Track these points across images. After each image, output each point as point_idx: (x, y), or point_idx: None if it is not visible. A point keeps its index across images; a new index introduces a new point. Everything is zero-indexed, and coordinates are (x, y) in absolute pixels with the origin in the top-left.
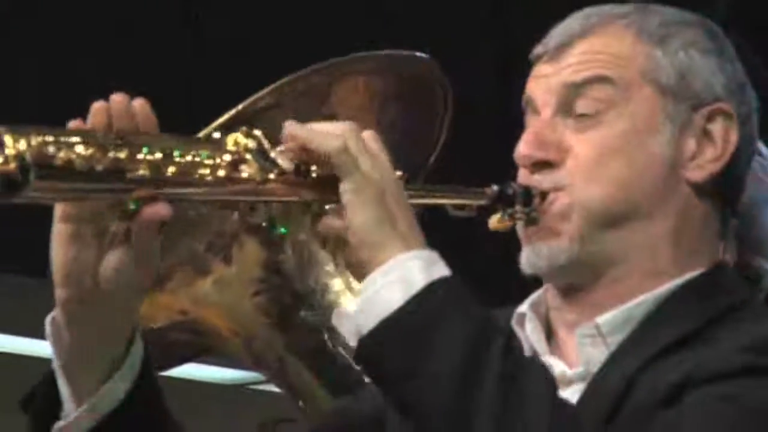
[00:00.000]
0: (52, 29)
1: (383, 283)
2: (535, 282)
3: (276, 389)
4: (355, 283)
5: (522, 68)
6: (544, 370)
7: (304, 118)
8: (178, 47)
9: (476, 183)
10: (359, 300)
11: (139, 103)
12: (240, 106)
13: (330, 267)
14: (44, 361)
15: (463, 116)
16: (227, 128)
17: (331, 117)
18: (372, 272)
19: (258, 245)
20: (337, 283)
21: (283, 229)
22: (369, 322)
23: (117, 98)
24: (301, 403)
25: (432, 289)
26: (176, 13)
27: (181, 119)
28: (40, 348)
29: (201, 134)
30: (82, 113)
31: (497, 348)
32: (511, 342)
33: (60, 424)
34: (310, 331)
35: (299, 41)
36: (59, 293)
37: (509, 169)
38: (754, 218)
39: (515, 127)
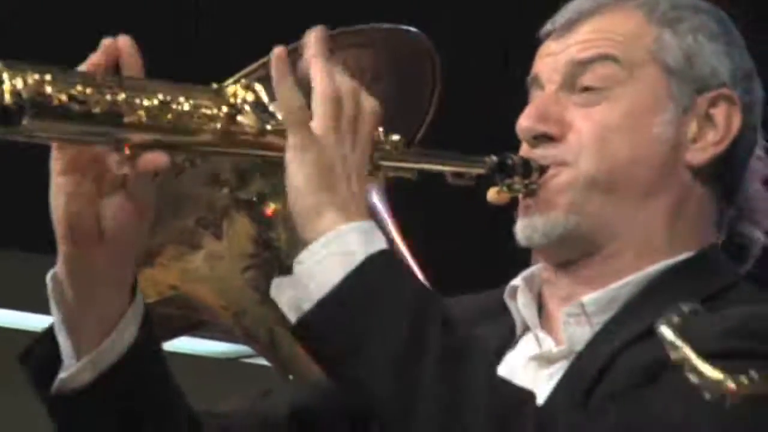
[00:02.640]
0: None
1: (324, 255)
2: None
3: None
4: None
5: (524, 45)
6: (481, 342)
7: None
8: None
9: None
10: (297, 270)
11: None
12: (230, 81)
13: None
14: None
15: (462, 92)
16: None
17: None
18: (310, 239)
19: (248, 220)
20: None
21: (272, 204)
22: (308, 295)
23: (124, 40)
24: (291, 377)
25: (370, 262)
26: None
27: None
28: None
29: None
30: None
31: (436, 324)
32: (450, 317)
33: (62, 375)
34: None
35: (292, 15)
36: (62, 247)
37: (507, 146)
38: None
39: (514, 104)
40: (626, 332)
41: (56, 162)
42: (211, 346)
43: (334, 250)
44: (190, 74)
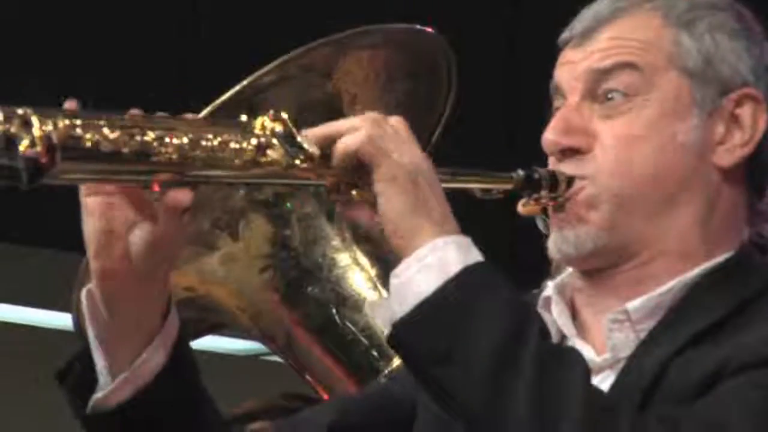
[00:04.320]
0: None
1: (418, 268)
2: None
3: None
4: (362, 258)
5: (531, 49)
6: (580, 356)
7: (308, 93)
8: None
9: (485, 159)
10: (393, 285)
11: None
12: (244, 83)
13: (336, 242)
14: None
15: (472, 94)
16: (230, 105)
17: (336, 92)
18: (407, 258)
19: (264, 221)
20: (343, 258)
21: (289, 204)
22: (405, 306)
23: None
24: (309, 377)
25: (468, 273)
26: None
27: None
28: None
29: (204, 112)
30: (76, 86)
31: (534, 332)
32: (546, 327)
33: (98, 395)
34: (317, 306)
35: (306, 17)
36: (94, 265)
37: (517, 147)
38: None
39: (524, 108)
40: (674, 339)
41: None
42: (230, 344)
43: (430, 262)
44: (191, 75)
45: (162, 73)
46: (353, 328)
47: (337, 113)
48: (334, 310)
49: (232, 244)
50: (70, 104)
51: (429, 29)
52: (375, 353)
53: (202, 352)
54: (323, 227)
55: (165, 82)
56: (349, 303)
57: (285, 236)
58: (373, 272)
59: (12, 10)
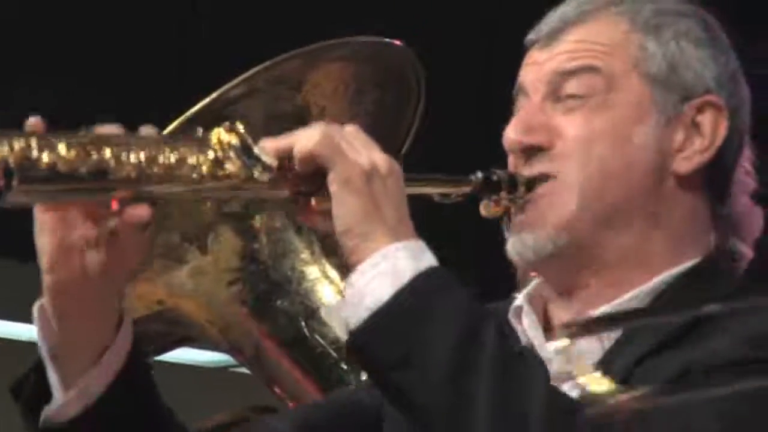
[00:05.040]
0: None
1: (372, 275)
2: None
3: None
4: (330, 271)
5: (506, 56)
6: (536, 357)
7: (277, 105)
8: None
9: (460, 167)
10: (348, 292)
11: None
12: (213, 95)
13: (305, 255)
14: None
15: (447, 101)
16: (200, 118)
17: (305, 105)
18: (359, 263)
19: (233, 234)
20: (313, 271)
21: (258, 218)
22: (360, 314)
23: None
24: (277, 390)
25: (420, 278)
26: None
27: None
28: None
29: (174, 124)
30: (76, 86)
31: (490, 334)
32: (502, 329)
33: (48, 409)
34: (286, 319)
35: (306, 17)
36: (47, 280)
37: (492, 153)
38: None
39: (498, 113)
40: (639, 346)
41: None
42: (199, 355)
43: (383, 269)
44: (191, 74)
45: (162, 73)
46: (322, 341)
47: (306, 125)
48: (303, 323)
49: (201, 258)
50: (32, 122)
51: (397, 42)
52: (344, 366)
53: (171, 364)
54: (292, 240)
55: (165, 82)
56: (318, 316)
57: (254, 249)
58: (342, 285)
59: (12, 11)
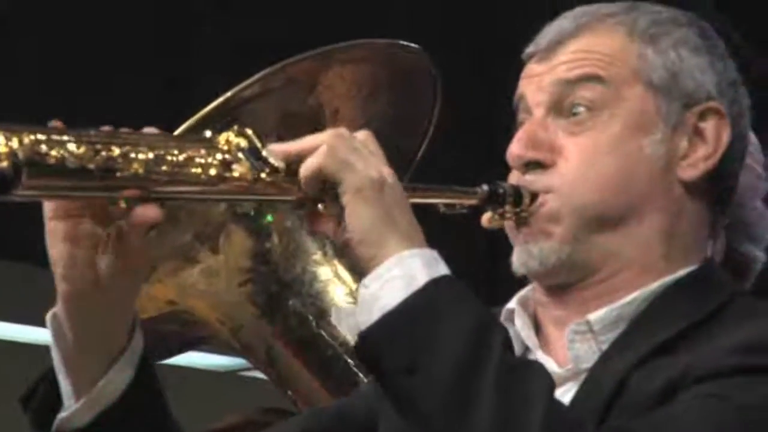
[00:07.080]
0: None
1: (386, 279)
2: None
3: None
4: (342, 272)
5: (504, 64)
6: (543, 369)
7: (290, 107)
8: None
9: (462, 177)
10: (360, 296)
11: None
12: (228, 94)
13: (317, 255)
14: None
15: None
16: (213, 118)
17: (318, 106)
18: (373, 270)
19: (245, 234)
20: (324, 272)
21: (269, 218)
22: (371, 317)
23: None
24: (288, 392)
25: (433, 285)
26: None
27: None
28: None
29: (186, 124)
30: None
31: (498, 343)
32: (510, 341)
33: (61, 416)
34: (298, 320)
35: (306, 17)
36: (60, 287)
37: (493, 164)
38: (743, 204)
39: (497, 124)
40: (635, 351)
41: (47, 207)
42: (209, 359)
43: (397, 274)
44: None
45: (160, 75)
46: (333, 343)
47: (319, 126)
48: (314, 324)
49: (213, 258)
50: (53, 124)
51: (412, 44)
52: (355, 368)
53: (182, 368)
54: (304, 241)
55: (165, 82)
56: (329, 317)
57: (265, 250)
58: (354, 286)
59: (5, 10)
